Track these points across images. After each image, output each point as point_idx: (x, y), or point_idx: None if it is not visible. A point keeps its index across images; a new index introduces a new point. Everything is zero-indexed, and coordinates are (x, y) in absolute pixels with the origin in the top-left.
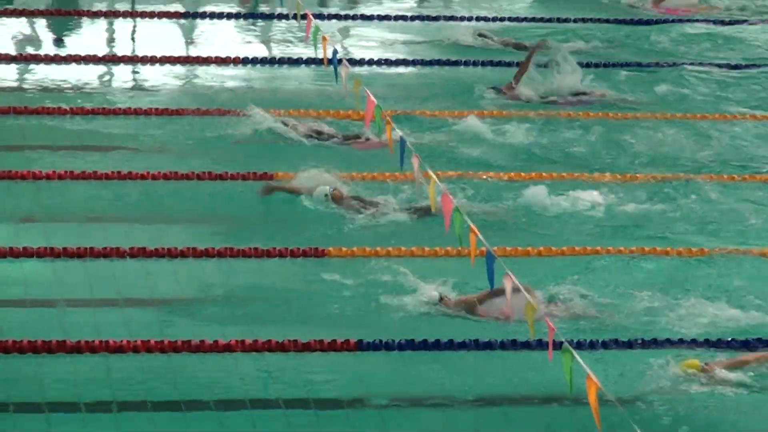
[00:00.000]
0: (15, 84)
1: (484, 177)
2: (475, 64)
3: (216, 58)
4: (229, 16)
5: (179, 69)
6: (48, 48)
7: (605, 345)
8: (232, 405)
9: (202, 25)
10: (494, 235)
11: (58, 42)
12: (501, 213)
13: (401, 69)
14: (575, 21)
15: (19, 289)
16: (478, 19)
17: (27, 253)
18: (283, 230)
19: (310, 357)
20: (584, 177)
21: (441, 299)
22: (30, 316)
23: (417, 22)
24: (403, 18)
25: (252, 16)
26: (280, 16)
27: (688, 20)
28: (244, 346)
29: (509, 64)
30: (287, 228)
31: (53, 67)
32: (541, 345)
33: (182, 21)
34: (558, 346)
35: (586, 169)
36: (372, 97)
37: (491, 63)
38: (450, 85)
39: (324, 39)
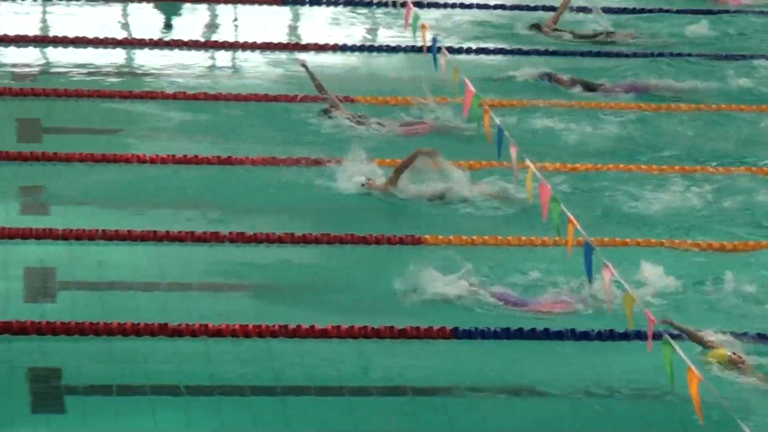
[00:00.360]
0: (120, 68)
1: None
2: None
3: (314, 45)
4: (329, 2)
5: (277, 55)
6: (151, 33)
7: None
8: (328, 391)
9: (303, 11)
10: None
11: (163, 27)
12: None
13: (498, 57)
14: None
15: (121, 272)
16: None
17: (131, 237)
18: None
19: (404, 344)
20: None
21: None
22: (133, 299)
23: (516, 11)
24: (502, 7)
25: (351, 3)
26: (380, 4)
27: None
28: (339, 332)
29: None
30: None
31: (156, 52)
32: (639, 336)
33: (282, 8)
34: (658, 337)
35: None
36: (470, 86)
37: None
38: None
39: (423, 27)
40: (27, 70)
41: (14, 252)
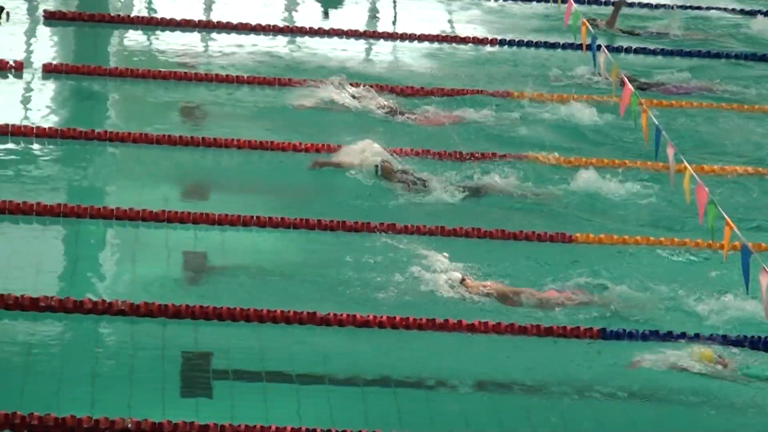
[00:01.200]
0: (281, 56)
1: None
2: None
3: (473, 38)
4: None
5: (434, 47)
6: (311, 21)
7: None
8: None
9: (458, 5)
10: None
11: (323, 15)
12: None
13: (659, 59)
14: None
15: (273, 259)
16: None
17: (284, 224)
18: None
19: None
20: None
21: (463, 280)
22: (283, 286)
23: (678, 10)
24: (665, 6)
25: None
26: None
27: None
28: (487, 327)
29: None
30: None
31: (317, 40)
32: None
33: (438, 2)
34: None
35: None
36: (629, 85)
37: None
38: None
39: (584, 24)
40: (190, 55)
41: (172, 236)
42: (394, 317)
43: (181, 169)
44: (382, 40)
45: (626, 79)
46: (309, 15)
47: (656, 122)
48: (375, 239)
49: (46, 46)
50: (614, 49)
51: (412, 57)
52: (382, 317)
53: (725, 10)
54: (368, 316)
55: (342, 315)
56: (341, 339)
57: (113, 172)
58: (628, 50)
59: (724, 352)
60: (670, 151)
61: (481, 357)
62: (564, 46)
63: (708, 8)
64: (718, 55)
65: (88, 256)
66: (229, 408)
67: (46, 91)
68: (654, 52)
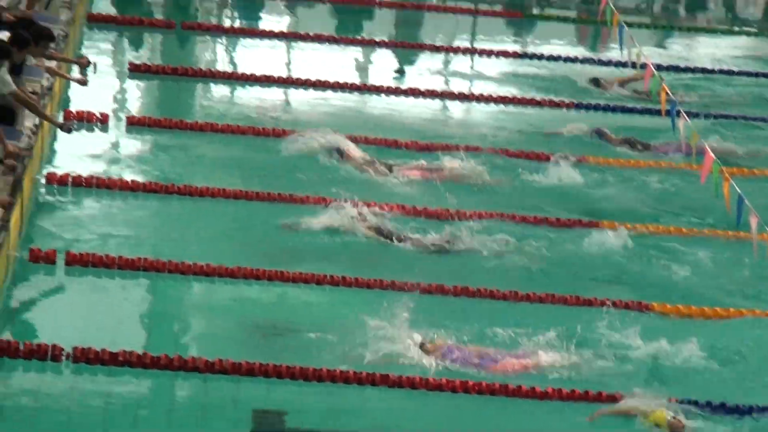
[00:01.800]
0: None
1: None
2: None
3: (549, 101)
4: (566, 59)
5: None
6: (386, 79)
7: None
8: None
9: (534, 68)
10: None
11: (397, 73)
12: None
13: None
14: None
15: (346, 320)
16: None
17: (358, 284)
18: None
19: None
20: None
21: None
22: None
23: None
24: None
25: (590, 61)
26: (618, 64)
27: None
28: None
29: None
30: None
31: (392, 98)
32: None
33: (519, 60)
34: None
35: None
36: (710, 152)
37: None
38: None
39: (663, 89)
40: (269, 109)
41: (246, 292)
42: (466, 381)
43: (256, 225)
44: (457, 101)
45: (707, 147)
46: (382, 73)
47: (738, 191)
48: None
49: (131, 99)
50: (695, 115)
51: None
52: (455, 381)
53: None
54: (441, 380)
55: (415, 378)
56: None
57: (192, 226)
58: (716, 116)
59: (679, 412)
60: (753, 221)
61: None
62: (642, 112)
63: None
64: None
65: (165, 311)
66: None
67: (129, 144)
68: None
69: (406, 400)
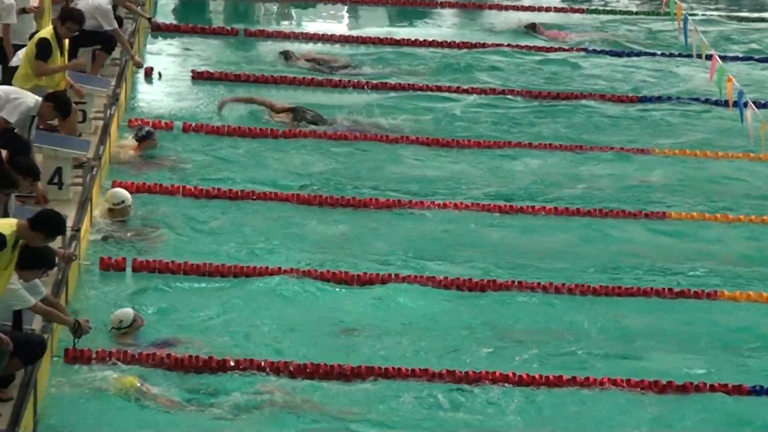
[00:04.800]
0: None
1: None
2: None
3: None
4: (629, 54)
5: None
6: None
7: None
8: None
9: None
10: None
11: None
12: None
13: None
14: None
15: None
16: None
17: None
18: None
19: None
20: None
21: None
22: None
23: None
24: None
25: (649, 54)
26: (681, 55)
27: None
28: None
29: None
30: None
31: None
32: None
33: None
34: None
35: None
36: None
37: None
38: None
39: (729, 80)
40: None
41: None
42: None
43: (332, 229)
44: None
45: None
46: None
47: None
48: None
49: (194, 106)
50: (765, 105)
51: None
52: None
53: None
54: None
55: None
56: None
57: (257, 229)
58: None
59: None
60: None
61: None
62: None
63: None
64: None
65: (235, 315)
66: None
67: (193, 150)
68: None
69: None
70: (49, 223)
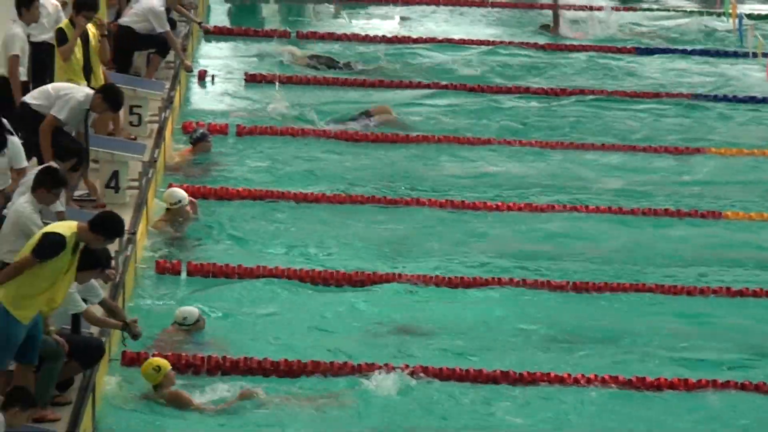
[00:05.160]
0: None
1: None
2: None
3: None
4: (671, 51)
5: None
6: None
7: None
8: None
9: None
10: None
11: None
12: None
13: None
14: None
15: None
16: None
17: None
18: None
19: None
20: None
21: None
22: None
23: None
24: None
25: (703, 53)
26: (736, 54)
27: None
28: None
29: None
30: None
31: None
32: None
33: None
34: None
35: None
36: None
37: None
38: None
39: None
40: None
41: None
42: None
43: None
44: None
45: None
46: None
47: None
48: None
49: (247, 107)
50: None
51: None
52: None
53: None
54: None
55: None
56: None
57: (305, 232)
58: None
59: None
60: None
61: None
62: None
63: None
64: None
65: (290, 317)
66: None
67: (247, 153)
68: None
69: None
70: (108, 225)
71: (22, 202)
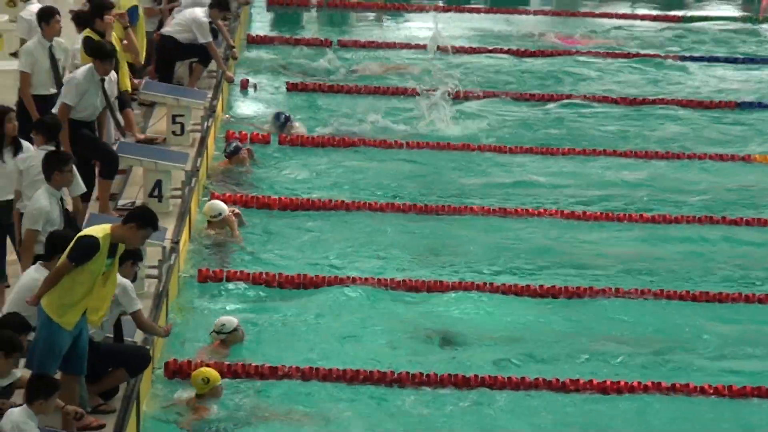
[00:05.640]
0: None
1: None
2: None
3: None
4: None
5: None
6: None
7: None
8: None
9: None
10: None
11: None
12: None
13: None
14: None
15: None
16: None
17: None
18: None
19: None
20: None
21: None
22: None
23: None
24: None
25: (747, 60)
26: None
27: None
28: None
29: None
30: None
31: None
32: None
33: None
34: None
35: None
36: None
37: None
38: None
39: None
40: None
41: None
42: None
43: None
44: None
45: None
46: None
47: None
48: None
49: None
50: None
51: None
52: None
53: None
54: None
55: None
56: None
57: (352, 239)
58: None
59: None
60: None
61: None
62: None
63: None
64: None
65: (336, 324)
66: None
67: (289, 162)
68: None
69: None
70: (139, 214)
71: (38, 197)
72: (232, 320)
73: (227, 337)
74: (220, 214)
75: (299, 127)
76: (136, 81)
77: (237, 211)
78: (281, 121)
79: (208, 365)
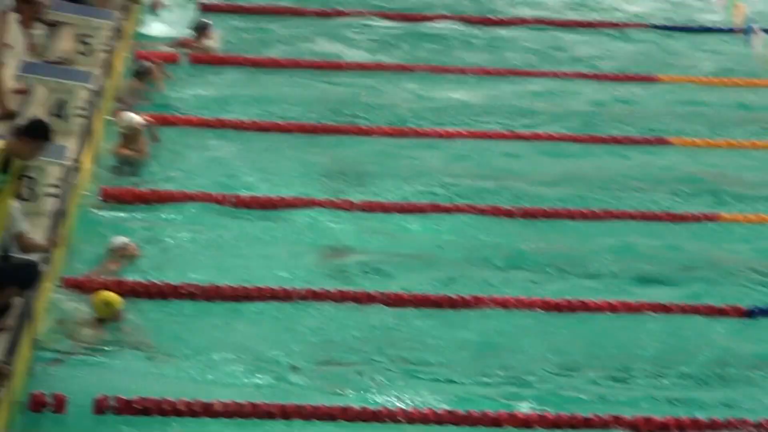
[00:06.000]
0: None
1: None
2: None
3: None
4: None
5: None
6: None
7: None
8: None
9: None
10: None
11: None
12: None
13: None
14: None
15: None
16: None
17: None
18: None
19: None
20: None
21: None
22: None
23: None
24: None
25: None
26: None
27: None
28: None
29: None
30: None
31: None
32: None
33: None
34: None
35: None
36: None
37: None
38: None
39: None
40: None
41: None
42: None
43: None
44: None
45: None
46: None
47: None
48: None
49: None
50: None
51: None
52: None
53: None
54: None
55: None
56: None
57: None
58: None
59: None
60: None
61: None
62: None
63: None
64: None
65: None
66: None
67: (192, 81)
68: None
69: None
70: (31, 127)
71: None
72: (123, 239)
73: (121, 254)
74: (130, 123)
75: (214, 38)
76: None
77: (152, 122)
78: (200, 25)
79: (106, 285)
